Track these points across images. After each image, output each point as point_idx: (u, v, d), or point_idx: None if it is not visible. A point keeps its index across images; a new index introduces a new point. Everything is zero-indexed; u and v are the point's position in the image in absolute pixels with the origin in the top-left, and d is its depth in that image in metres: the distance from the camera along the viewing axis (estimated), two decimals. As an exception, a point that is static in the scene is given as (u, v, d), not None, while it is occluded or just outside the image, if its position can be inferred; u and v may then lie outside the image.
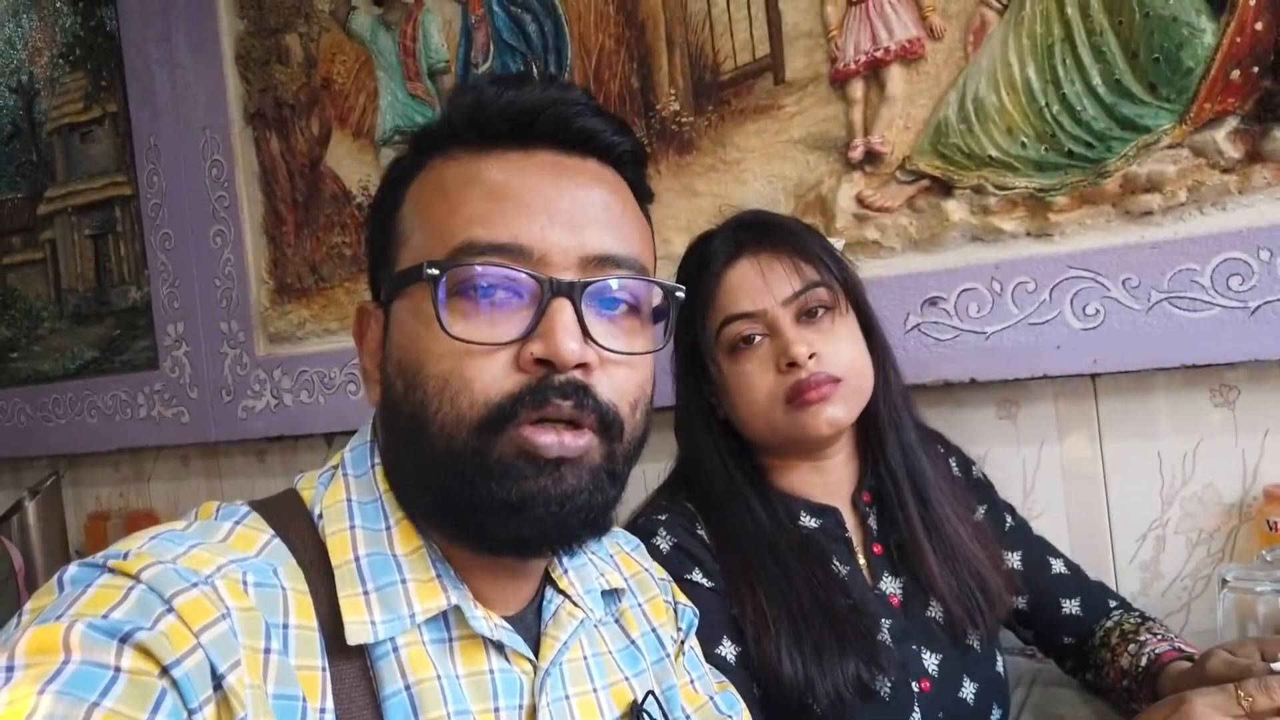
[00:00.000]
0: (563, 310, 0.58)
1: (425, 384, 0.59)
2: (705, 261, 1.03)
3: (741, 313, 0.99)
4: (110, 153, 2.15)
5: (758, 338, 1.00)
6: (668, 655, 0.76)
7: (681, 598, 0.84)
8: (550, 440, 0.57)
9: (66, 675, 0.45)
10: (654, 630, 0.77)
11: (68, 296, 2.24)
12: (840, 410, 0.99)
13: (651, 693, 0.71)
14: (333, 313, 1.86)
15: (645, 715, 0.68)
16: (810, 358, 0.97)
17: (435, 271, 0.58)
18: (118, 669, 0.46)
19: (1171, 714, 0.74)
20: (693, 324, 1.03)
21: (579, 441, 0.58)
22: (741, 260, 1.01)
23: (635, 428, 0.63)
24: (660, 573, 0.84)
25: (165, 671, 0.48)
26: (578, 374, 0.58)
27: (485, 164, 0.61)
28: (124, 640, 0.47)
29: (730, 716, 0.80)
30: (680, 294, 0.65)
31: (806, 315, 0.99)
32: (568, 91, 0.63)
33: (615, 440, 0.61)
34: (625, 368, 0.62)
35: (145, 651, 0.48)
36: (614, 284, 0.61)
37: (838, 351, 0.99)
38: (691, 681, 0.79)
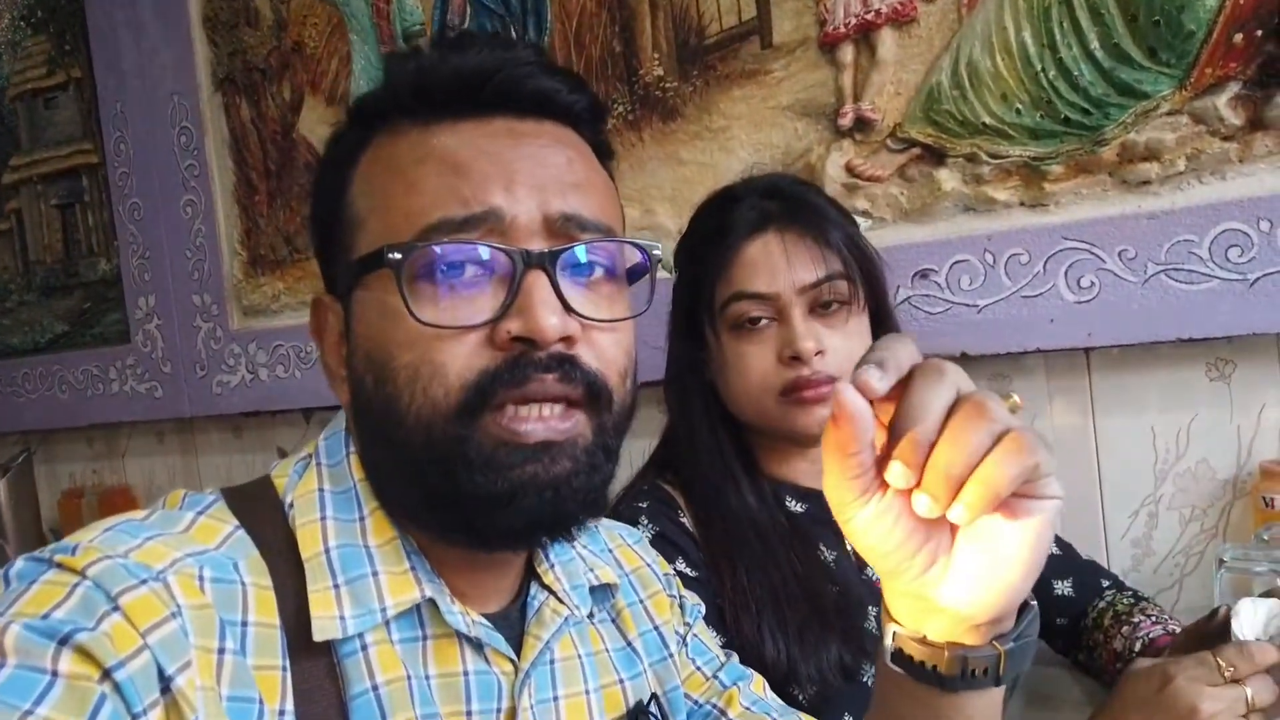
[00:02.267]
0: (539, 283, 0.54)
1: (395, 376, 0.55)
2: (725, 227, 0.98)
3: (754, 292, 0.95)
4: (76, 119, 2.08)
5: (765, 320, 0.96)
6: (670, 655, 0.73)
7: (686, 592, 0.81)
8: (533, 427, 0.54)
9: None
10: (656, 629, 0.73)
11: (35, 268, 2.18)
12: None
13: (655, 695, 0.68)
14: (308, 285, 1.81)
15: (650, 716, 0.66)
16: (816, 354, 0.93)
17: (398, 255, 0.54)
18: (55, 673, 0.44)
19: (1156, 693, 0.74)
20: (697, 287, 0.99)
21: (567, 423, 0.55)
22: (764, 235, 0.96)
23: (624, 397, 0.59)
24: (664, 567, 0.80)
25: (106, 675, 0.45)
26: (560, 347, 0.55)
27: (438, 136, 0.57)
28: (63, 642, 0.45)
29: (737, 684, 0.77)
30: (657, 251, 0.62)
31: (820, 307, 0.95)
32: (516, 51, 0.59)
33: (605, 412, 0.57)
34: (609, 334, 0.58)
35: (85, 654, 0.45)
36: (584, 249, 0.57)
37: (845, 350, 0.95)
38: (698, 669, 0.76)
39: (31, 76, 2.12)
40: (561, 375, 0.54)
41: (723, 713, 0.74)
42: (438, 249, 0.55)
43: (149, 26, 1.92)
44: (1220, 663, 0.73)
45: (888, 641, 0.54)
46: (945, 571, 0.49)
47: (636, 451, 1.12)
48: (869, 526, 0.48)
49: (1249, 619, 0.78)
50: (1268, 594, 0.82)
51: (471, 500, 0.54)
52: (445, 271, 0.55)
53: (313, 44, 1.75)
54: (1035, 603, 0.53)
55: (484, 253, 0.55)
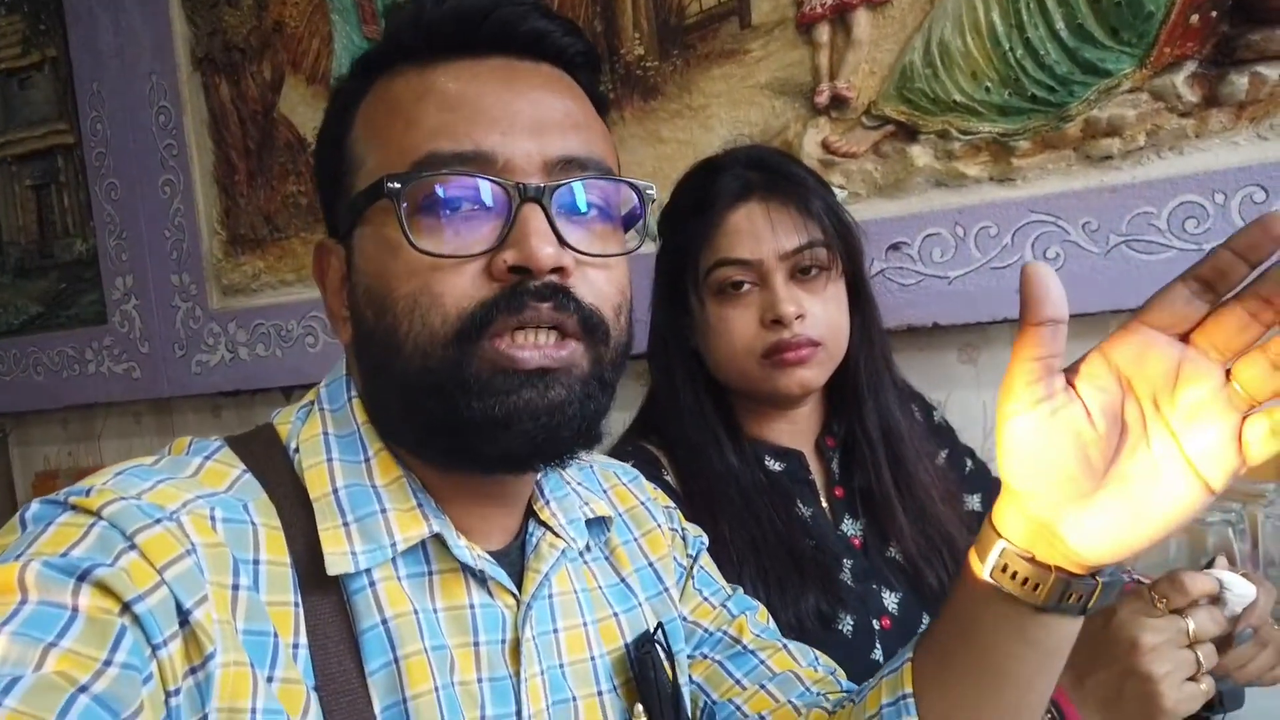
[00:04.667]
0: (534, 215, 0.55)
1: (395, 306, 0.57)
2: (709, 196, 1.00)
3: (737, 259, 0.97)
4: (51, 99, 2.07)
5: (747, 285, 0.98)
6: (666, 589, 0.75)
7: (688, 525, 0.83)
8: (529, 354, 0.55)
9: (22, 616, 0.44)
10: (650, 565, 0.75)
11: (9, 249, 2.16)
12: (814, 374, 0.99)
13: (661, 624, 0.70)
14: (288, 264, 1.82)
15: (657, 646, 0.67)
16: (797, 318, 0.96)
17: (397, 185, 0.56)
18: (75, 608, 0.45)
19: (1102, 629, 0.75)
20: (681, 254, 1.01)
21: (563, 352, 0.57)
22: (747, 204, 0.98)
23: (620, 333, 0.61)
24: (664, 500, 0.82)
25: (126, 608, 0.46)
26: (555, 278, 0.56)
27: (436, 75, 0.58)
28: (82, 578, 0.46)
29: (745, 613, 0.79)
30: (652, 192, 0.63)
31: (801, 272, 0.98)
32: None
33: (601, 345, 0.59)
34: (603, 270, 0.59)
35: (105, 589, 0.46)
36: (582, 185, 0.58)
37: (823, 314, 0.98)
38: (705, 599, 0.79)
39: (6, 56, 2.10)
40: (556, 305, 0.56)
41: (736, 640, 0.76)
42: (437, 180, 0.56)
43: (127, 6, 1.91)
44: (1154, 595, 0.75)
45: (993, 556, 0.55)
46: (1082, 512, 0.49)
47: (617, 423, 1.14)
48: (1026, 433, 0.49)
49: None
50: (1210, 565, 0.82)
51: (469, 426, 0.56)
52: (443, 203, 0.56)
53: (294, 23, 1.76)
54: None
55: (482, 186, 0.56)
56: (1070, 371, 0.50)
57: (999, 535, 0.55)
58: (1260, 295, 0.45)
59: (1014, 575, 0.54)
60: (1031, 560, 0.53)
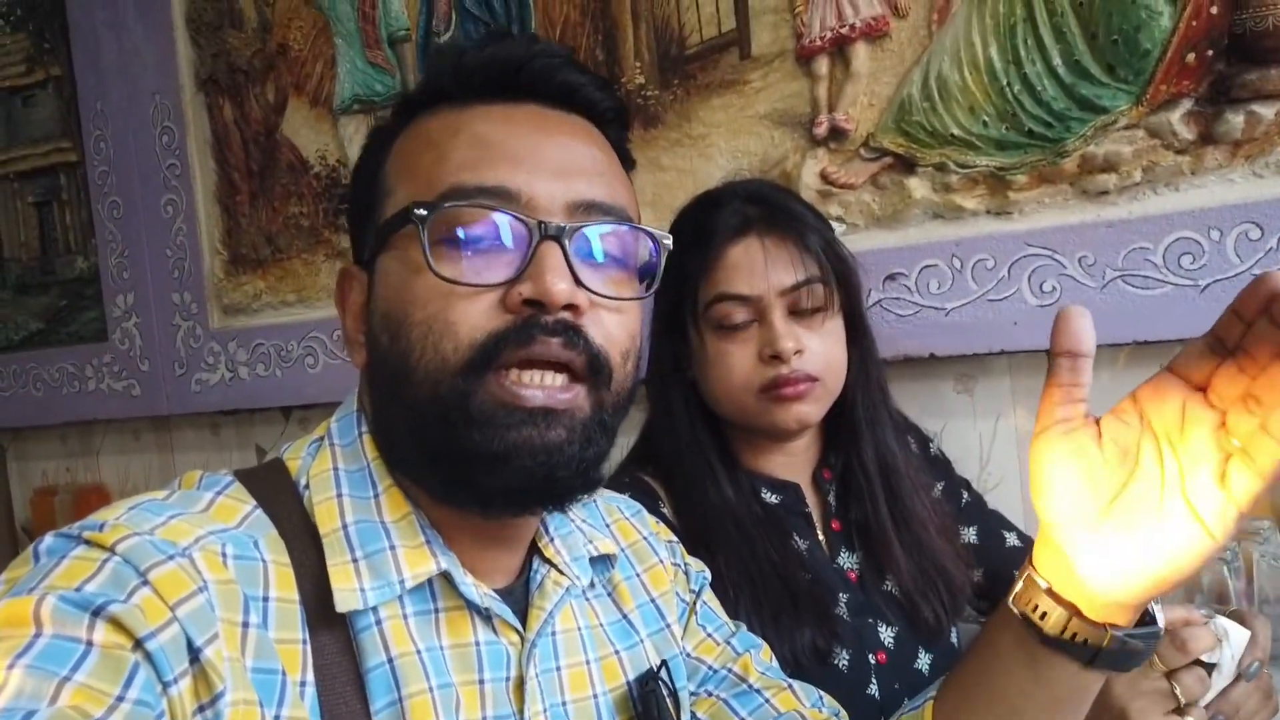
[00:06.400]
0: (551, 253, 0.57)
1: (409, 332, 0.58)
2: (708, 230, 1.01)
3: (736, 294, 0.98)
4: (54, 117, 2.07)
5: (746, 320, 0.99)
6: (667, 625, 0.75)
7: (690, 559, 0.83)
8: (533, 393, 0.57)
9: (37, 649, 0.44)
10: (652, 601, 0.76)
11: (11, 266, 2.17)
12: (811, 409, 0.99)
13: (665, 662, 0.71)
14: (289, 284, 1.83)
15: (661, 684, 0.68)
16: (795, 354, 0.97)
17: (423, 212, 0.57)
18: (89, 643, 0.46)
19: (1101, 696, 0.72)
20: (680, 287, 1.02)
21: (567, 395, 0.58)
22: (746, 239, 0.99)
23: (625, 378, 0.62)
24: (666, 535, 0.82)
25: (139, 644, 0.47)
26: (567, 315, 0.57)
27: (470, 116, 0.61)
28: (96, 613, 0.47)
29: (749, 651, 0.79)
30: (668, 242, 0.64)
31: (799, 308, 0.99)
32: (548, 46, 0.64)
33: (604, 388, 0.60)
34: (615, 314, 0.61)
35: (118, 624, 0.47)
36: (601, 230, 0.60)
37: (821, 350, 0.99)
38: (709, 635, 0.79)
39: (10, 74, 2.11)
40: (566, 342, 0.57)
41: (741, 678, 0.77)
42: (462, 211, 0.58)
43: (131, 26, 1.92)
44: (1155, 657, 0.74)
45: (1019, 584, 0.59)
46: (1090, 540, 0.53)
47: (617, 447, 1.15)
48: (1043, 452, 0.54)
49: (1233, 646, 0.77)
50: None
51: (470, 457, 0.57)
52: (465, 233, 0.58)
53: (298, 46, 1.77)
54: (1161, 628, 0.59)
55: (503, 220, 0.58)
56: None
57: (1030, 565, 0.59)
58: (1245, 350, 0.50)
59: (1028, 602, 0.58)
60: (1049, 592, 0.57)
